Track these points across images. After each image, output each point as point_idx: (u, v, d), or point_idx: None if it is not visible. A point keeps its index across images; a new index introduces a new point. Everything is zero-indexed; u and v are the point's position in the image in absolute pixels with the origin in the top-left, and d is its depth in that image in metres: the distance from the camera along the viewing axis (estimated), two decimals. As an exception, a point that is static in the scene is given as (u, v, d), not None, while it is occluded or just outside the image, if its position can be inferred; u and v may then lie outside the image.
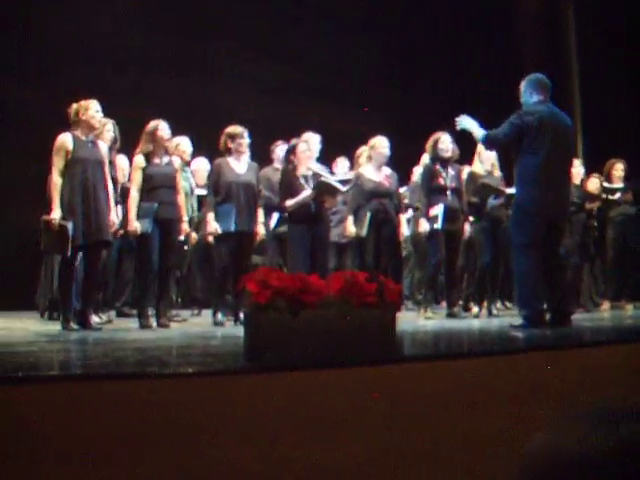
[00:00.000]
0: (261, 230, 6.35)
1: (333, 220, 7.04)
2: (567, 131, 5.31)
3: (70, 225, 5.29)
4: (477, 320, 6.77)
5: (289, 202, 6.30)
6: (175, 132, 6.16)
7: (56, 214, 5.35)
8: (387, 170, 6.92)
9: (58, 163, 5.43)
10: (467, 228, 7.05)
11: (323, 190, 6.29)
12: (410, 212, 7.63)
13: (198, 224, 6.82)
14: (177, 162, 6.20)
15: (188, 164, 7.06)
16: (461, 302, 7.43)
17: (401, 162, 7.32)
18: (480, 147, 6.68)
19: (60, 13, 8.95)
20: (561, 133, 5.16)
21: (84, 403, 2.28)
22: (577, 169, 7.50)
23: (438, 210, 6.72)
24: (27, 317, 7.04)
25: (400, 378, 2.85)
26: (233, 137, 6.28)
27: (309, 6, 10.60)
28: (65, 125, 5.59)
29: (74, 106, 5.55)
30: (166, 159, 5.97)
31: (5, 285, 7.76)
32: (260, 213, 6.36)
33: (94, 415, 2.23)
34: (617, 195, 7.99)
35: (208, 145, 6.94)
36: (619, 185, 8.06)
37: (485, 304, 7.26)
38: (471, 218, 7.11)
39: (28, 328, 5.79)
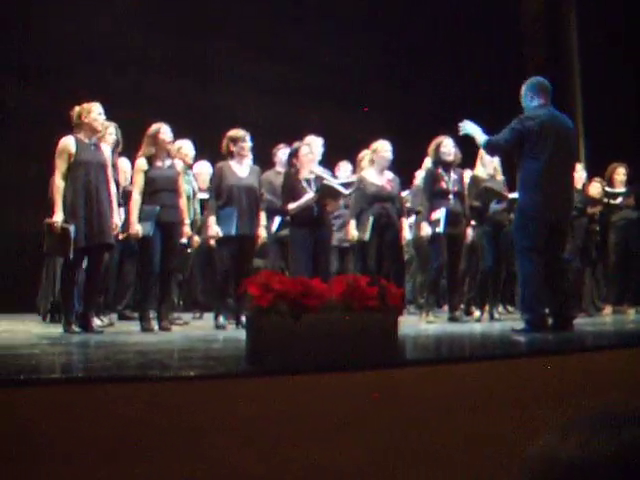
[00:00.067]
0: (263, 233, 6.35)
1: (335, 224, 7.03)
2: (569, 134, 5.30)
3: (72, 228, 5.29)
4: (479, 324, 6.77)
5: (292, 205, 6.30)
6: (176, 134, 6.16)
7: (59, 217, 5.35)
8: (389, 174, 6.92)
9: (61, 166, 5.43)
10: (469, 232, 7.05)
11: (326, 193, 6.29)
12: (413, 217, 7.63)
13: (200, 227, 6.82)
14: (179, 165, 6.20)
15: (191, 167, 7.06)
16: (463, 306, 7.43)
17: (403, 166, 7.31)
18: (483, 151, 6.68)
19: (60, 13, 8.97)
20: (563, 136, 5.16)
21: (85, 406, 2.28)
22: (579, 173, 7.49)
23: (440, 214, 6.72)
24: (29, 320, 7.04)
25: (402, 382, 2.84)
26: (235, 140, 6.28)
27: (309, 6, 10.62)
28: (65, 125, 5.58)
29: (76, 109, 5.56)
30: (168, 162, 5.98)
31: (6, 287, 7.77)
32: (262, 216, 6.36)
33: (95, 418, 2.23)
34: (619, 199, 7.98)
35: (211, 148, 6.95)
36: (621, 189, 8.05)
37: (487, 308, 7.25)
38: (473, 222, 7.11)
39: (30, 331, 5.79)
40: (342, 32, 10.57)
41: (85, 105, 5.56)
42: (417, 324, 6.50)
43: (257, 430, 2.37)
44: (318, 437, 2.44)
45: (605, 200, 7.97)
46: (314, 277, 3.26)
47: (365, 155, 7.15)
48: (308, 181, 6.36)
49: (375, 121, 9.60)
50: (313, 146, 6.65)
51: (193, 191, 6.88)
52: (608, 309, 8.15)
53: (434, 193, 6.82)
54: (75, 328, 5.38)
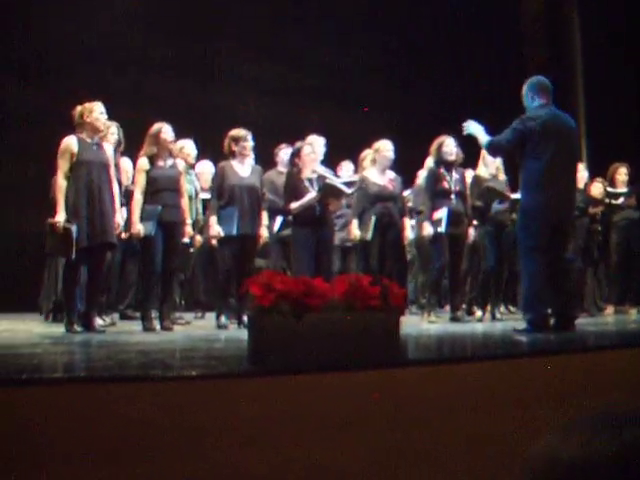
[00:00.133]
0: (265, 233, 6.35)
1: (338, 223, 7.04)
2: (571, 133, 5.30)
3: (74, 228, 5.29)
4: (481, 324, 6.76)
5: (294, 205, 6.29)
6: (177, 134, 6.16)
7: (61, 217, 5.35)
8: (391, 174, 6.92)
9: (63, 166, 5.43)
10: (471, 232, 7.05)
11: (329, 192, 6.28)
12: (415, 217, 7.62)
13: (202, 227, 6.82)
14: (181, 165, 6.20)
15: (193, 167, 7.07)
16: (465, 306, 7.43)
17: (405, 165, 7.31)
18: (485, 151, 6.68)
19: (60, 13, 8.98)
20: (564, 136, 5.15)
21: (87, 405, 2.28)
22: (581, 173, 7.48)
23: (442, 214, 6.71)
24: (31, 319, 7.05)
25: (404, 382, 2.84)
26: (237, 140, 6.28)
27: (309, 6, 10.61)
28: (65, 125, 5.59)
29: (78, 108, 5.56)
30: (170, 162, 5.98)
31: (7, 287, 7.78)
32: (264, 216, 6.36)
33: (97, 418, 2.24)
34: (620, 199, 7.98)
35: (212, 148, 6.95)
36: (623, 189, 8.04)
37: (489, 308, 7.25)
38: (475, 222, 7.11)
39: (32, 330, 5.79)
40: (342, 32, 10.57)
41: (87, 105, 5.57)
42: (419, 324, 6.49)
43: (259, 430, 2.37)
44: (320, 437, 2.44)
45: (607, 200, 7.97)
46: (316, 277, 3.26)
47: (367, 155, 7.15)
48: (310, 180, 6.35)
49: (375, 121, 9.59)
50: (315, 146, 6.65)
51: (195, 191, 6.88)
52: (610, 309, 8.14)
53: (436, 193, 6.82)
54: (77, 328, 5.38)
